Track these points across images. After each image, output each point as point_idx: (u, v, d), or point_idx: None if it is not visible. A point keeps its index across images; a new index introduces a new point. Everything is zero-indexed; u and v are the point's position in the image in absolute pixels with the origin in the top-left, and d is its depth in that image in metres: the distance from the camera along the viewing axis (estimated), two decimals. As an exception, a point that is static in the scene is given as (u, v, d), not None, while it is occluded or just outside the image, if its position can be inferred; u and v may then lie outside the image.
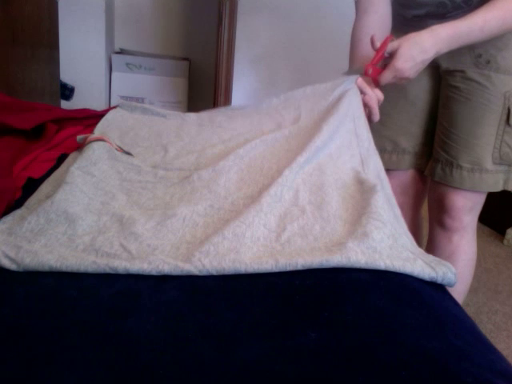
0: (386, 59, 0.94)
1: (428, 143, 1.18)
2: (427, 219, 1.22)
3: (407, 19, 1.06)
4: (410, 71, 0.91)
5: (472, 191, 1.07)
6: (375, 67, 0.94)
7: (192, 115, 1.06)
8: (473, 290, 1.73)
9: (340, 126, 0.84)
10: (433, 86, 1.14)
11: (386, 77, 0.93)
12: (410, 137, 1.18)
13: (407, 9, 1.06)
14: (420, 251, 0.60)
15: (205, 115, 1.04)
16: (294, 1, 2.46)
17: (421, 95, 1.15)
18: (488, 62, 1.01)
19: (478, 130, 1.03)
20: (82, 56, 2.42)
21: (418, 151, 1.19)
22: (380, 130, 1.15)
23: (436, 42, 0.89)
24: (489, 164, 1.05)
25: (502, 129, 1.03)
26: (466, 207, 1.09)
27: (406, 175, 1.23)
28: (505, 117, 1.02)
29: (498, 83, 1.00)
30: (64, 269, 0.51)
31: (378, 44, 0.94)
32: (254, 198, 0.67)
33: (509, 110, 1.01)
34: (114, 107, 1.13)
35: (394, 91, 1.12)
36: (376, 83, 0.95)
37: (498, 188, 1.08)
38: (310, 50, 2.54)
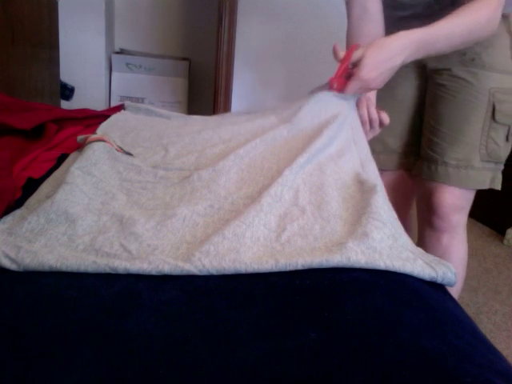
0: (352, 70, 0.88)
1: (416, 143, 1.18)
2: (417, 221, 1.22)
3: (394, 20, 1.05)
4: (376, 81, 0.86)
5: (459, 188, 1.07)
6: (340, 79, 0.88)
7: (197, 117, 1.07)
8: (473, 290, 1.73)
9: (339, 131, 0.84)
10: (420, 85, 1.14)
11: (351, 88, 0.88)
12: (399, 137, 1.19)
13: (394, 10, 1.05)
14: (420, 251, 0.61)
15: (210, 117, 1.05)
16: (294, 1, 2.46)
17: (409, 95, 1.15)
18: (473, 59, 1.01)
19: (465, 127, 1.04)
20: (82, 56, 2.42)
21: (407, 151, 1.20)
22: None
23: (403, 48, 0.85)
24: (476, 161, 1.05)
25: (487, 125, 1.03)
26: (454, 206, 1.09)
27: (395, 175, 1.24)
28: (490, 113, 1.02)
29: (484, 80, 1.01)
30: (64, 269, 0.51)
31: (341, 54, 0.89)
32: (253, 198, 0.67)
33: (494, 106, 1.01)
34: (115, 107, 1.14)
35: (383, 92, 1.12)
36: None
37: (485, 186, 1.08)
38: (310, 50, 2.54)
